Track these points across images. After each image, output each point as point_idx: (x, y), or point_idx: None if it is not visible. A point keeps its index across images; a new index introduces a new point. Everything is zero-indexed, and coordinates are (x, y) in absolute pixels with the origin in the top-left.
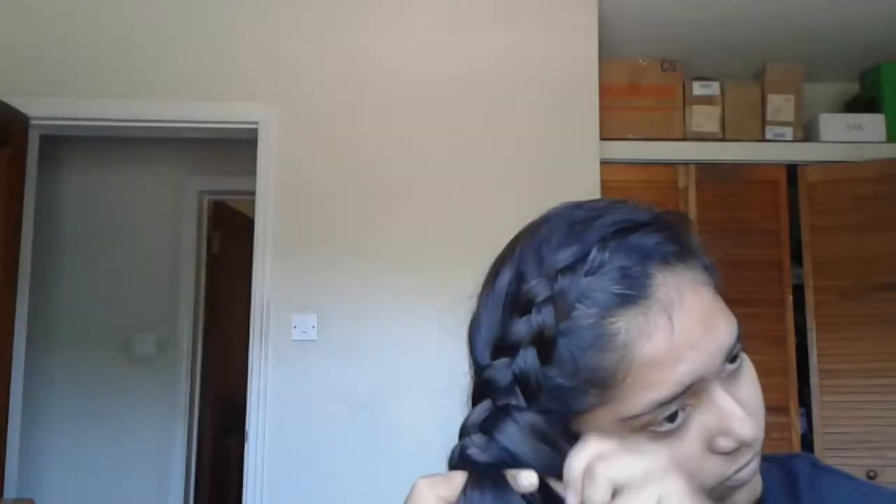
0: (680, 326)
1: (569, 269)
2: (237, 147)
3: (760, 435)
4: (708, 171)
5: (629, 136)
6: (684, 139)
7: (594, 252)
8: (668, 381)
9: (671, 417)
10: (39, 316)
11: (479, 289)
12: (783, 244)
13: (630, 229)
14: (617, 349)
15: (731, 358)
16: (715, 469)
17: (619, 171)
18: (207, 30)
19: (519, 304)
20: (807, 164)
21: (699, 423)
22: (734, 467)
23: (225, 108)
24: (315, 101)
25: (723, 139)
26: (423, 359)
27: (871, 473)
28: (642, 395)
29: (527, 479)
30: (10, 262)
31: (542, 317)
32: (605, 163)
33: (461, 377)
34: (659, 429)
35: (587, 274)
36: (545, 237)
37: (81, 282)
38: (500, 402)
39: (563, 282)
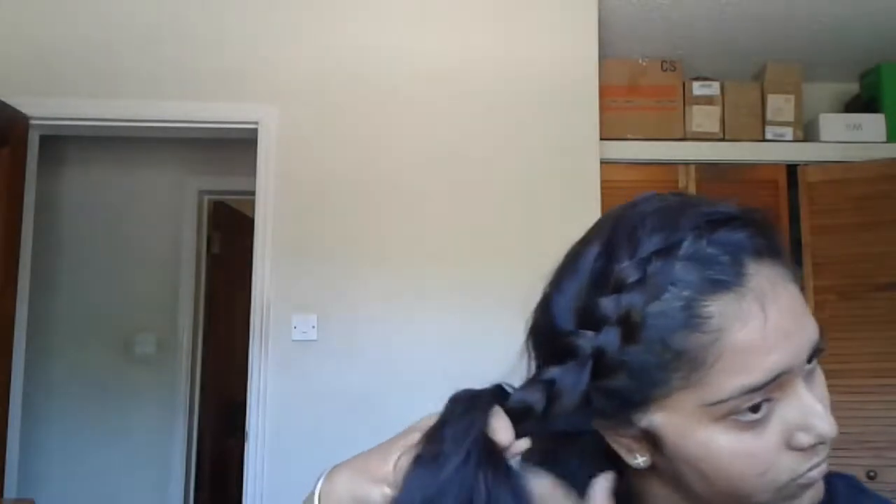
0: (773, 316)
1: (663, 252)
2: (237, 147)
3: (835, 434)
4: (708, 171)
5: (629, 136)
6: (684, 139)
7: (689, 238)
8: (760, 367)
9: (755, 408)
10: (39, 316)
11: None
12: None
13: (723, 221)
14: (710, 332)
15: (809, 357)
16: (789, 465)
17: (619, 171)
18: (207, 30)
19: (608, 281)
20: (807, 164)
21: (780, 416)
22: (808, 465)
23: (225, 108)
24: (315, 100)
25: (723, 139)
26: (423, 359)
27: (871, 473)
28: (731, 380)
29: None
30: (10, 261)
31: (632, 298)
32: (605, 163)
33: (461, 377)
34: (741, 418)
35: (681, 259)
36: (639, 220)
37: (81, 282)
38: (575, 371)
39: (656, 264)
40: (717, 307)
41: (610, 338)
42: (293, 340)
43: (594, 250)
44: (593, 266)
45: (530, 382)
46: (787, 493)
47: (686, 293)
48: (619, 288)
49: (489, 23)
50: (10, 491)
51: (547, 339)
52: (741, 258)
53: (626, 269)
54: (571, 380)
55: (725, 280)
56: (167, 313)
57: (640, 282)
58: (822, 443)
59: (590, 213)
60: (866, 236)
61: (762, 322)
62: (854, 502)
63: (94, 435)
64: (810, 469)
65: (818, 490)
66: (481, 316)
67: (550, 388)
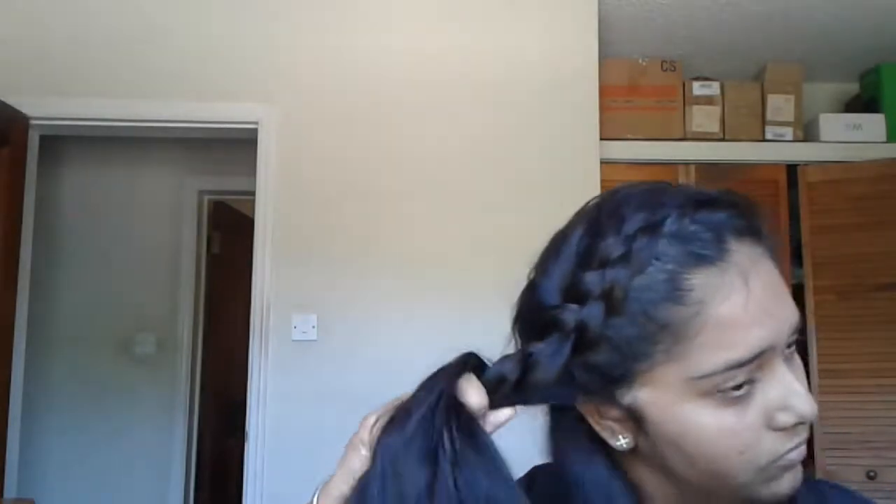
0: (755, 292)
1: (647, 229)
2: (237, 147)
3: (815, 415)
4: (708, 171)
5: (629, 136)
6: (684, 139)
7: (673, 216)
8: (743, 342)
9: (737, 386)
10: (39, 316)
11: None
12: (783, 244)
13: (707, 202)
14: (691, 304)
15: (789, 343)
16: (770, 445)
17: (619, 171)
18: (207, 30)
19: (594, 257)
20: (807, 164)
21: (762, 396)
22: (789, 445)
23: (225, 108)
24: (315, 101)
25: (723, 139)
26: (423, 359)
27: (871, 473)
28: (715, 355)
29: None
30: (10, 261)
31: (616, 273)
32: (605, 163)
33: None
34: (726, 395)
35: (665, 235)
36: (623, 200)
37: (81, 282)
38: (556, 343)
39: (640, 240)
40: (699, 280)
41: (593, 311)
42: (293, 340)
43: (579, 231)
44: (578, 245)
45: (509, 355)
46: (767, 475)
47: (669, 267)
48: (604, 263)
49: (489, 23)
50: (10, 491)
51: (532, 318)
52: (723, 235)
53: (611, 245)
54: (551, 351)
55: (708, 255)
56: (167, 313)
57: (625, 257)
58: (801, 423)
59: None
60: (866, 236)
61: (745, 297)
62: (811, 490)
63: (94, 435)
64: (790, 450)
65: (797, 472)
66: (481, 316)
67: (527, 359)
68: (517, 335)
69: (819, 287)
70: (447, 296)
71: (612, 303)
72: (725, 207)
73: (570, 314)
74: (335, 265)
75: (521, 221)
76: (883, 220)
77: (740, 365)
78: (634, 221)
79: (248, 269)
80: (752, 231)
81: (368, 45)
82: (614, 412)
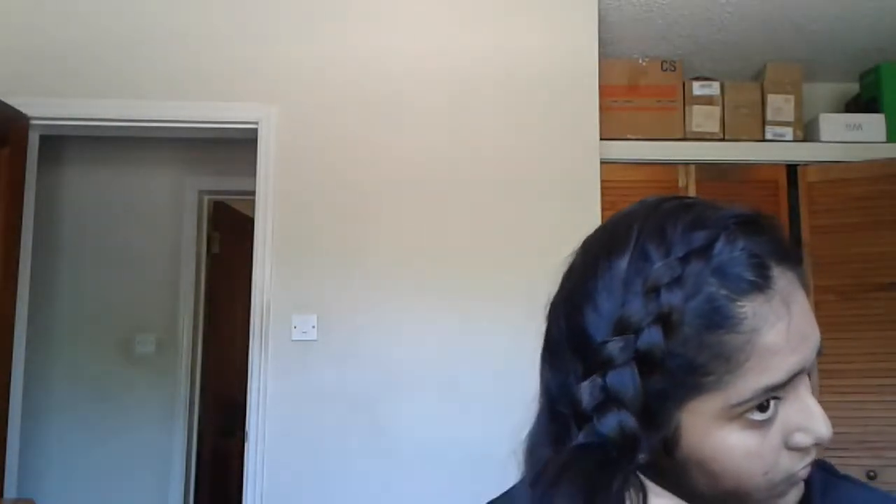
0: (795, 318)
1: (700, 252)
2: (237, 147)
3: (831, 436)
4: (708, 171)
5: (629, 136)
6: (684, 139)
7: (723, 239)
8: (781, 367)
9: (763, 407)
10: (39, 316)
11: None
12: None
13: (747, 223)
14: (745, 332)
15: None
16: (787, 464)
17: (619, 171)
18: (207, 30)
19: (645, 284)
20: (807, 163)
21: (783, 416)
22: (801, 464)
23: (225, 108)
24: (315, 101)
25: (723, 139)
26: (423, 359)
27: (871, 473)
28: (756, 381)
29: None
30: (10, 262)
31: (672, 297)
32: (605, 163)
33: (460, 378)
34: (752, 417)
35: (715, 259)
36: (667, 220)
37: (81, 282)
38: (612, 379)
39: (694, 265)
40: (751, 308)
41: (654, 336)
42: (293, 340)
43: (626, 255)
44: (626, 273)
45: (600, 409)
46: (778, 492)
47: (722, 292)
48: (657, 288)
49: (489, 23)
50: (10, 490)
51: (583, 353)
52: (767, 261)
53: (662, 270)
54: (629, 383)
55: (757, 281)
56: (167, 313)
57: (677, 281)
58: (817, 444)
59: (590, 213)
60: (866, 236)
61: (787, 324)
62: (830, 487)
63: (93, 435)
64: (802, 468)
65: (801, 487)
66: (481, 316)
67: (614, 397)
68: (555, 366)
69: (819, 287)
70: (447, 295)
71: (668, 327)
72: (765, 231)
73: (629, 343)
74: (335, 265)
75: (521, 221)
76: (883, 220)
77: (776, 388)
78: (683, 244)
79: (248, 269)
80: (788, 257)
81: (368, 45)
82: (651, 435)
